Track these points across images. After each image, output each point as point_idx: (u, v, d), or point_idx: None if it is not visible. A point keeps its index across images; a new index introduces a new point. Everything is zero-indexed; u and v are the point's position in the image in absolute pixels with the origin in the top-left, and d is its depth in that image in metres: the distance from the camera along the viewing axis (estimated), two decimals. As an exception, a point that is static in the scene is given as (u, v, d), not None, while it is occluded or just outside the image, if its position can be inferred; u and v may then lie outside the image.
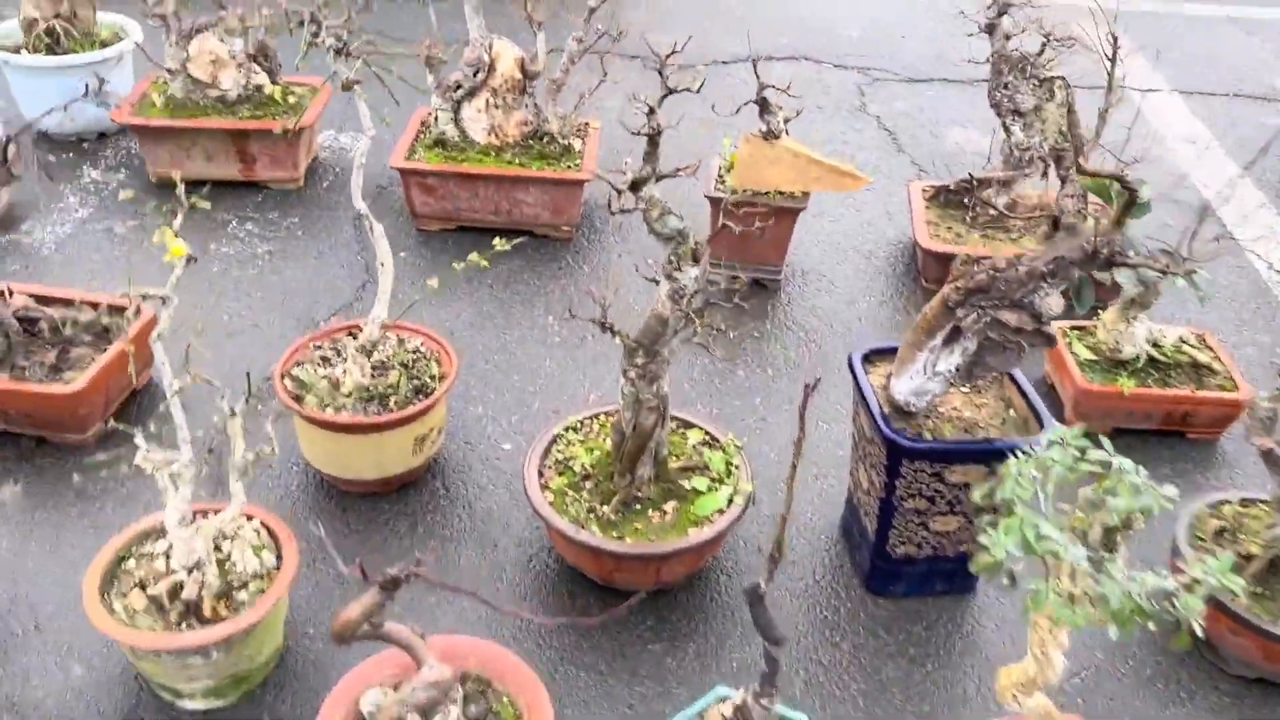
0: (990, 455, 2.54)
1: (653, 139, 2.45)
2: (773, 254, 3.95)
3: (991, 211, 4.10)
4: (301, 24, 2.69)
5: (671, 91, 2.48)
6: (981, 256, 2.54)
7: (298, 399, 2.86)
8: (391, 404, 2.88)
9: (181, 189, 2.18)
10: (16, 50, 4.56)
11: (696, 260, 2.54)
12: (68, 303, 3.20)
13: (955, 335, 2.57)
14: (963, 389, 2.78)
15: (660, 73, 2.48)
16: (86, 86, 3.37)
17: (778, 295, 3.99)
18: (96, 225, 4.16)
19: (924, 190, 4.25)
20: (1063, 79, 3.92)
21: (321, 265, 4.00)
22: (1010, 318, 2.42)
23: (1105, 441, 1.77)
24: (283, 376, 2.92)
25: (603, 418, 2.95)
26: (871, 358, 2.81)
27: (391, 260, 2.95)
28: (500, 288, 3.92)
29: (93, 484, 2.98)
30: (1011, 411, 2.73)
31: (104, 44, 4.66)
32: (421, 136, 4.23)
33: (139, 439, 2.16)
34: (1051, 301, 2.41)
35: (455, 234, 4.20)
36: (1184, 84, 5.93)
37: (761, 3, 6.68)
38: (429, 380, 2.98)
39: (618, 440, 2.71)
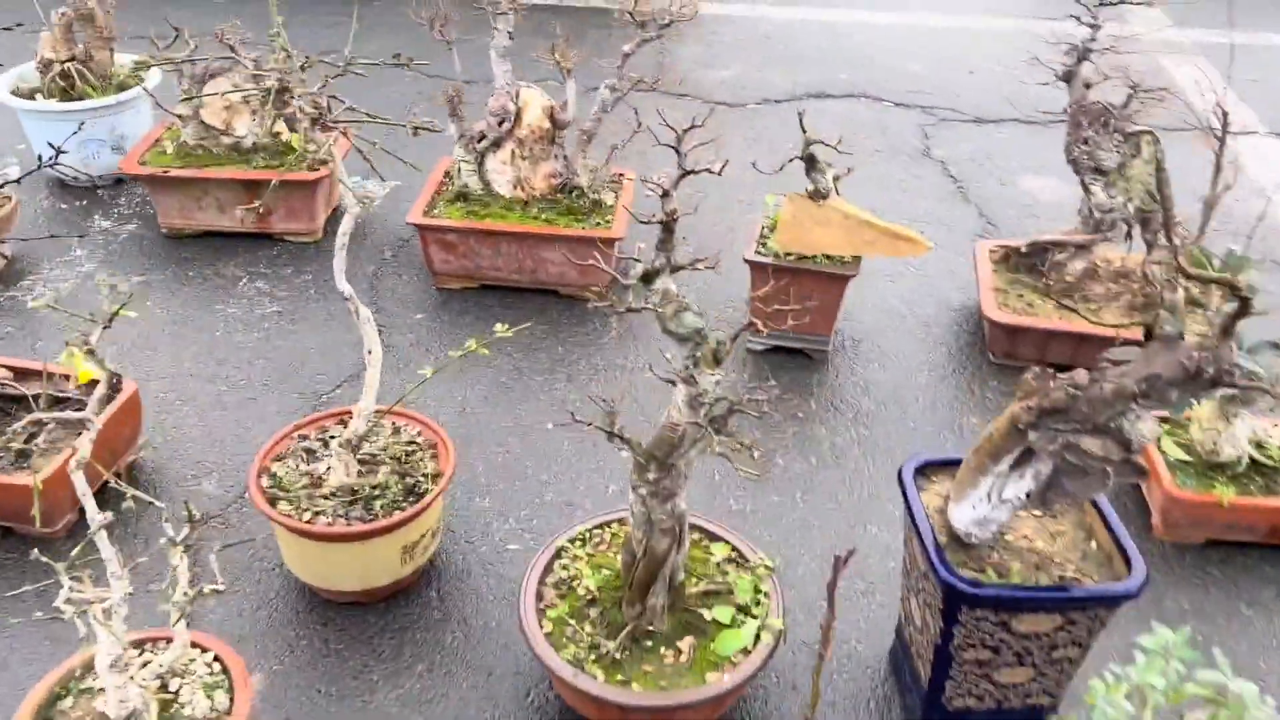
0: (1067, 604, 2.13)
1: (667, 225, 2.10)
2: (820, 323, 3.57)
3: (1068, 279, 3.67)
4: (269, 94, 2.38)
5: (688, 173, 2.12)
6: (1056, 370, 2.14)
7: (274, 501, 2.56)
8: (378, 507, 2.57)
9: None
10: (32, 95, 4.37)
11: (719, 362, 2.18)
12: (44, 375, 2.95)
13: (1026, 457, 2.17)
14: (1034, 512, 2.37)
15: (677, 150, 2.12)
16: (40, 157, 3.13)
17: (824, 369, 3.61)
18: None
19: (992, 252, 3.84)
20: (1150, 134, 3.49)
21: (332, 329, 3.72)
22: (1094, 445, 2.01)
23: (1219, 657, 1.37)
24: (260, 474, 2.62)
25: (615, 526, 2.60)
26: (927, 471, 2.42)
27: (380, 349, 2.64)
28: (521, 356, 3.60)
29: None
30: (1093, 543, 2.31)
31: (121, 87, 4.45)
32: (444, 189, 3.94)
33: (63, 576, 1.86)
34: (1144, 427, 2.00)
35: (477, 293, 3.89)
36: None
37: (818, 36, 6.30)
38: (422, 479, 2.66)
39: (628, 561, 2.36)
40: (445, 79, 3.84)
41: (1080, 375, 2.06)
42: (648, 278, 2.10)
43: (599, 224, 3.76)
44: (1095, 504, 2.35)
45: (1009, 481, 2.18)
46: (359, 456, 2.67)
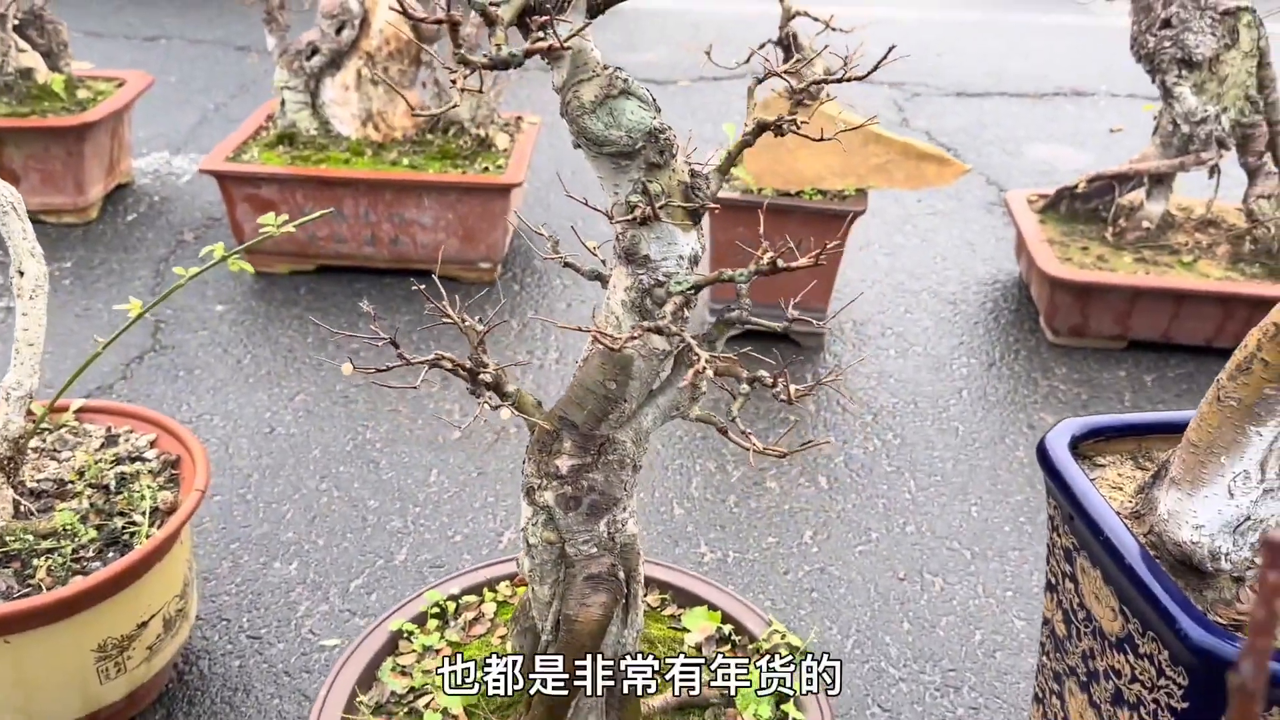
0: None
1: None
2: (812, 290, 2.46)
3: (1145, 225, 2.63)
4: None
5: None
6: None
7: None
8: (42, 571, 1.33)
9: None
10: None
11: (695, 212, 1.04)
12: None
13: (1331, 384, 1.05)
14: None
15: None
16: None
17: (819, 358, 2.48)
18: None
19: (1031, 200, 2.79)
20: (1251, 11, 2.50)
21: (83, 327, 2.48)
22: None
23: None
24: None
25: (503, 588, 1.40)
26: (1089, 444, 1.28)
27: (41, 270, 1.41)
28: (372, 355, 2.41)
29: None
30: None
31: None
32: (263, 133, 2.77)
33: None
34: None
35: (311, 278, 2.70)
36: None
37: (757, 26, 5.37)
38: (140, 519, 1.43)
39: (526, 649, 1.17)
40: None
41: None
42: (530, 12, 0.95)
43: (488, 169, 2.62)
44: None
45: (1297, 439, 1.05)
46: (31, 484, 1.44)
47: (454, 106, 0.89)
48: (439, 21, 0.85)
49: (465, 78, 0.89)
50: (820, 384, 1.04)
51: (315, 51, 2.64)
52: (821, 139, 1.20)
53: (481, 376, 1.06)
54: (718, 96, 4.30)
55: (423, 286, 1.13)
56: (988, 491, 2.06)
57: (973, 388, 2.40)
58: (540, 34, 0.91)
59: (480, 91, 0.89)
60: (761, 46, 2.41)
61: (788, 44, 2.33)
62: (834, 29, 2.29)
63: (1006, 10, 5.75)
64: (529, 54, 0.90)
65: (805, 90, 2.01)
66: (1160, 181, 2.63)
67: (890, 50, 1.01)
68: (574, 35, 0.92)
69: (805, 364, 2.46)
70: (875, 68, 1.00)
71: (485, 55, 0.90)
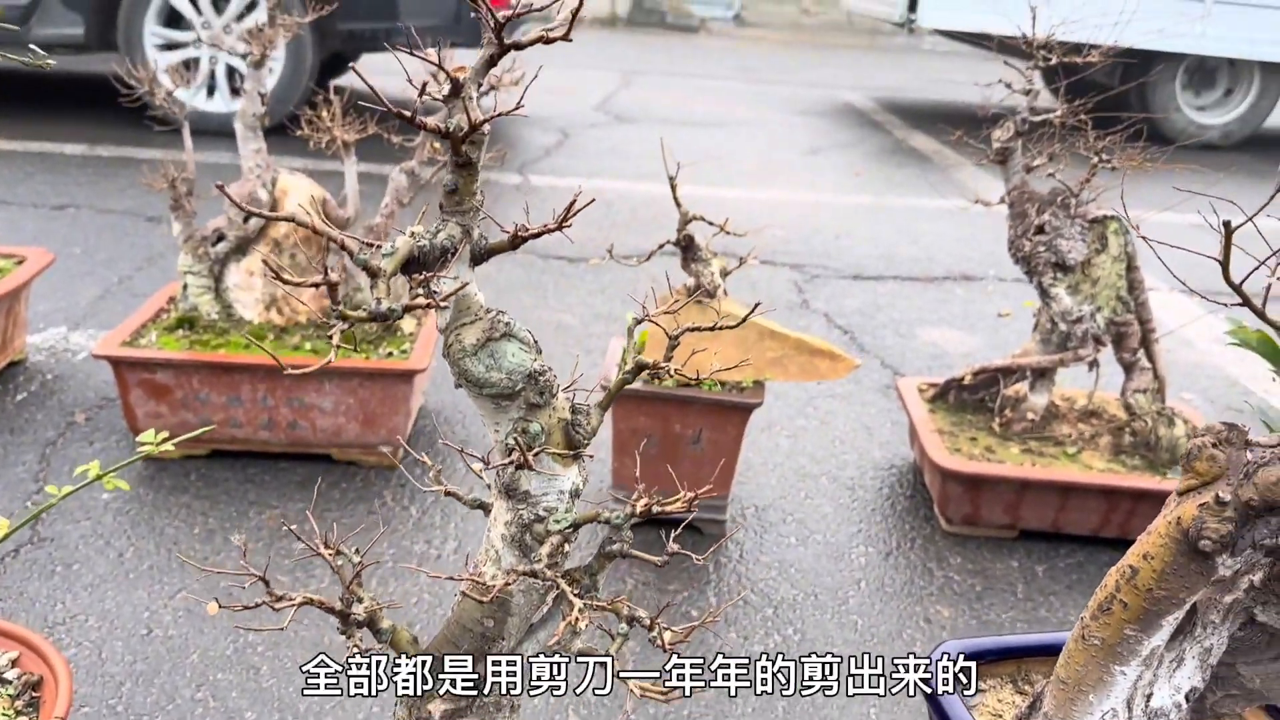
0: None
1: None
2: (716, 478, 2.48)
3: (1030, 417, 2.74)
4: None
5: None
6: (1234, 433, 1.10)
7: None
8: None
9: None
10: None
11: (575, 447, 1.06)
12: None
13: (1189, 624, 1.09)
14: (1172, 736, 1.26)
15: None
16: None
17: (723, 548, 2.49)
18: None
19: (922, 389, 2.90)
20: (1117, 220, 2.70)
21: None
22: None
23: None
24: None
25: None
26: (966, 671, 1.29)
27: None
28: (263, 548, 2.34)
29: None
30: (1296, 789, 1.21)
31: None
32: (163, 315, 2.75)
33: None
34: None
35: (204, 463, 2.64)
36: (1175, 285, 4.89)
37: (664, 205, 5.59)
38: (-12, 752, 1.34)
39: None
40: (174, 158, 2.74)
41: (1303, 435, 1.03)
42: (413, 265, 0.99)
43: (391, 354, 2.63)
44: (1275, 712, 1.27)
45: (1161, 671, 1.08)
46: None
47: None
48: (317, 285, 0.87)
49: (343, 332, 0.91)
50: (699, 626, 1.04)
51: (221, 238, 2.66)
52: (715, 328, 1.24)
53: (353, 616, 1.03)
54: (627, 274, 4.42)
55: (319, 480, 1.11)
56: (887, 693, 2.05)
57: (870, 578, 2.42)
58: (420, 290, 0.94)
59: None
60: (661, 247, 2.51)
61: (685, 244, 2.43)
62: (729, 233, 2.41)
63: (896, 196, 6.10)
64: (408, 309, 0.92)
65: (703, 290, 2.09)
66: (1042, 375, 2.76)
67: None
68: (452, 294, 0.95)
69: (706, 550, 2.45)
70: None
71: (365, 310, 0.92)
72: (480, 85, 0.99)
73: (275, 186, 2.69)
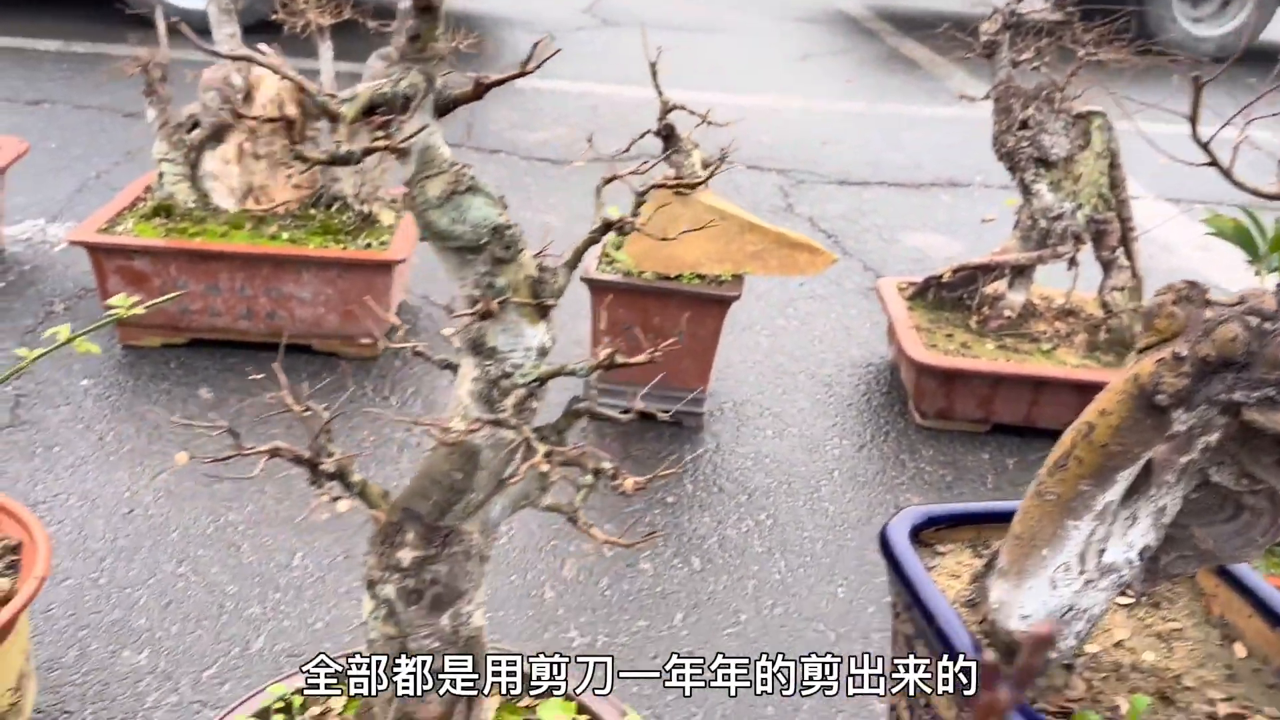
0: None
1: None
2: (691, 372, 2.50)
3: (1006, 314, 2.75)
4: None
5: None
6: (1197, 289, 1.12)
7: None
8: None
9: None
10: None
11: (543, 306, 1.06)
12: None
13: (1143, 482, 1.11)
14: (1121, 599, 1.31)
15: None
16: None
17: (699, 438, 2.52)
18: None
19: (902, 287, 2.91)
20: (1102, 115, 2.68)
21: (-65, 401, 2.37)
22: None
23: None
24: None
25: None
26: (929, 531, 1.33)
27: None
28: (243, 433, 2.34)
29: None
30: (1238, 648, 1.25)
31: None
32: (139, 204, 2.72)
33: None
34: None
35: (184, 351, 2.64)
36: (1166, 192, 4.88)
37: (651, 110, 5.51)
38: (-30, 608, 1.36)
39: (369, 747, 1.14)
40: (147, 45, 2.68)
41: (1260, 294, 1.05)
42: (374, 113, 0.98)
43: (372, 245, 2.62)
44: (1226, 574, 1.31)
45: (1116, 530, 1.11)
46: None
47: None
48: (273, 120, 0.86)
49: (301, 172, 0.90)
50: (656, 477, 1.06)
51: (196, 125, 2.62)
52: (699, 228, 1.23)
53: (323, 467, 1.05)
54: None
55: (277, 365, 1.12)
56: (854, 572, 2.10)
57: (844, 468, 2.46)
58: (381, 133, 0.93)
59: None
60: (641, 136, 2.48)
61: (666, 135, 2.40)
62: (710, 123, 2.38)
63: (886, 103, 6.02)
64: (367, 152, 0.92)
65: (683, 181, 2.09)
66: (1021, 273, 2.77)
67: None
68: (411, 137, 0.94)
69: (684, 443, 2.49)
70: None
71: (324, 151, 0.92)
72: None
73: (249, 72, 2.64)
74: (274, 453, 1.02)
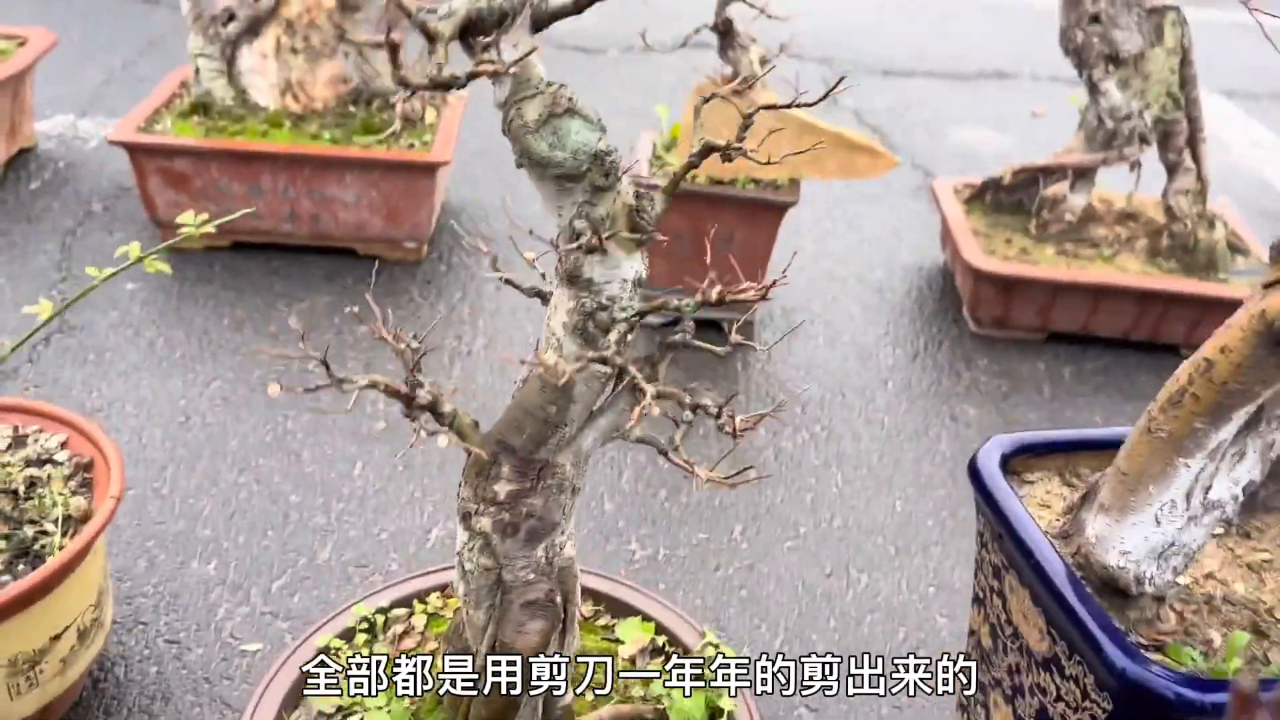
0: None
1: None
2: (746, 277, 2.45)
3: (1067, 218, 2.68)
4: None
5: None
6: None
7: None
8: (-58, 589, 1.26)
9: None
10: None
11: (641, 234, 1.02)
12: None
13: (1256, 418, 1.08)
14: (1216, 531, 1.28)
15: None
16: None
17: (751, 349, 2.48)
18: None
19: (958, 190, 2.83)
20: (1176, 10, 2.55)
21: (-15, 305, 2.36)
22: None
23: None
24: None
25: (435, 600, 1.38)
26: (1019, 460, 1.31)
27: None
28: (291, 340, 2.33)
29: None
30: (1334, 579, 1.24)
31: None
32: (176, 101, 2.65)
33: None
34: None
35: (227, 254, 2.60)
36: (1225, 87, 4.70)
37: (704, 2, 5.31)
38: (51, 527, 1.36)
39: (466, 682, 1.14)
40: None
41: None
42: (470, 30, 0.91)
43: (414, 145, 2.55)
44: (1321, 509, 1.29)
45: (1223, 467, 1.08)
46: (-75, 489, 1.37)
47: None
48: (379, 45, 0.81)
49: (406, 100, 0.85)
50: (768, 415, 1.03)
51: (232, 17, 2.53)
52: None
53: (417, 400, 1.02)
54: (647, 69, 4.25)
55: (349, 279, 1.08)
56: (911, 485, 2.09)
57: (898, 378, 2.43)
58: (485, 55, 0.87)
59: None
60: (697, 31, 2.39)
61: (724, 29, 2.30)
62: (769, 16, 2.28)
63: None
64: (472, 76, 0.86)
65: (744, 81, 1.99)
66: (1084, 175, 2.68)
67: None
68: (520, 59, 0.89)
69: (734, 352, 2.46)
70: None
71: (427, 76, 0.86)
72: None
73: (286, -38, 2.53)
74: (371, 385, 0.99)
